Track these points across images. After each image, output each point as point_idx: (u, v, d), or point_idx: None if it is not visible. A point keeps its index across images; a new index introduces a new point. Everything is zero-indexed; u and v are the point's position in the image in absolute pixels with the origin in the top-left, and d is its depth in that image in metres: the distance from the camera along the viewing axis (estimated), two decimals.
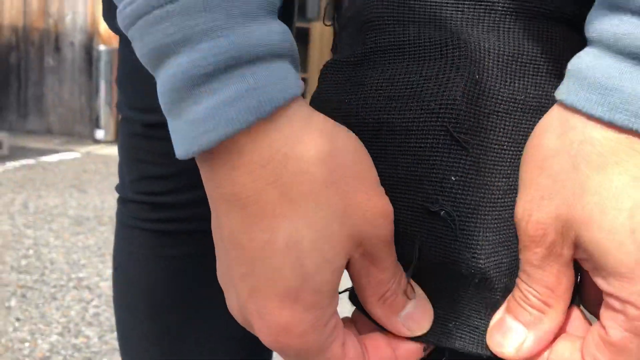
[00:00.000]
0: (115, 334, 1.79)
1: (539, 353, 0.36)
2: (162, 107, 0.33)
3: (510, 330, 0.36)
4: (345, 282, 0.36)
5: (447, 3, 0.37)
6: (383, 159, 0.36)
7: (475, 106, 0.35)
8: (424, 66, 0.37)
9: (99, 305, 1.99)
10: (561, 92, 0.33)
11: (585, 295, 0.38)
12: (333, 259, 0.33)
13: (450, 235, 0.36)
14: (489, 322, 0.37)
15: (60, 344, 1.74)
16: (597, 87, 0.31)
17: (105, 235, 2.66)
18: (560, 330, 0.36)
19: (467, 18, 0.37)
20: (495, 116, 0.35)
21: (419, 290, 0.38)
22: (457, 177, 0.35)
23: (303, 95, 0.34)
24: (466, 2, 0.37)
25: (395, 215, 0.35)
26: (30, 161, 4.14)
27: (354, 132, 0.35)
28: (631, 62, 0.30)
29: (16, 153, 4.30)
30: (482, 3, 0.37)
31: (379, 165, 0.36)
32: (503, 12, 0.36)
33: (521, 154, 0.36)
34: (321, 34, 4.78)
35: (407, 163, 0.36)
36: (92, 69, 5.18)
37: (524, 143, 0.36)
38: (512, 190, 0.36)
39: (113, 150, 4.70)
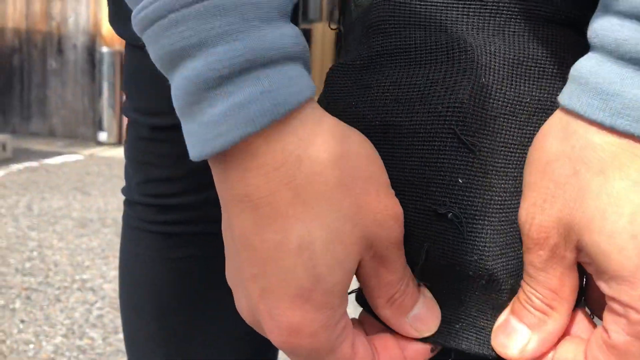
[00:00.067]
0: (119, 336, 1.80)
1: (543, 354, 0.36)
2: (177, 109, 0.33)
3: (515, 332, 0.36)
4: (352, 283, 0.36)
5: (453, 7, 0.37)
6: (390, 162, 0.36)
7: (482, 109, 0.35)
8: (430, 69, 0.37)
9: (102, 307, 2.00)
10: (563, 97, 0.33)
11: (590, 298, 0.38)
12: (345, 260, 0.33)
13: (457, 237, 0.36)
14: (494, 323, 0.38)
15: (64, 346, 1.75)
16: (598, 93, 0.31)
17: (108, 237, 2.66)
18: (565, 332, 0.36)
19: (473, 22, 0.37)
20: (502, 119, 0.36)
21: (426, 291, 0.38)
22: (465, 180, 0.35)
23: None
24: (472, 7, 0.37)
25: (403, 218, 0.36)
26: (33, 163, 4.14)
27: None
28: (632, 68, 0.31)
29: (19, 155, 4.31)
30: (488, 7, 0.37)
31: (386, 168, 0.36)
32: (508, 16, 0.37)
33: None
34: (323, 35, 4.77)
35: (414, 166, 0.36)
36: (95, 71, 5.18)
37: (530, 145, 0.36)
38: (519, 192, 0.36)
39: (116, 153, 4.71)
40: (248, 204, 0.33)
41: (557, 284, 0.35)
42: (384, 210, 0.34)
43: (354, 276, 0.36)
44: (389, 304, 0.37)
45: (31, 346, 1.73)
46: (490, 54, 0.36)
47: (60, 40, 5.30)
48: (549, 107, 0.36)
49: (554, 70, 0.37)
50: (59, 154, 4.55)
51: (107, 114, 5.09)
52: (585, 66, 0.33)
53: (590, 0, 0.34)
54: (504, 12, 0.37)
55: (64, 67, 5.32)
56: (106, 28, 5.11)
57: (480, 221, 0.35)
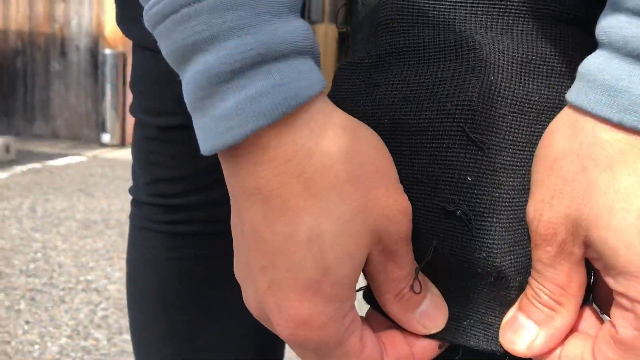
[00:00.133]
0: (123, 337, 1.80)
1: (551, 350, 0.36)
2: (187, 104, 0.33)
3: (522, 328, 0.36)
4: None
5: (461, 6, 0.37)
6: (399, 160, 0.36)
7: (491, 107, 0.35)
8: (439, 67, 0.37)
9: (107, 308, 2.00)
10: (571, 94, 0.34)
11: (597, 294, 0.38)
12: (354, 253, 0.33)
13: (466, 234, 0.36)
14: (503, 319, 0.38)
15: (69, 347, 1.75)
16: (606, 89, 0.32)
17: (112, 238, 2.66)
18: (573, 328, 0.37)
19: (481, 21, 0.37)
20: (510, 116, 0.36)
21: (433, 288, 0.38)
22: (473, 177, 0.35)
23: None
24: (480, 5, 0.37)
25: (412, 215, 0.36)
26: (37, 165, 4.15)
27: None
28: None
29: (23, 157, 4.31)
30: (496, 6, 0.37)
31: (395, 165, 0.36)
32: (517, 15, 0.37)
33: None
34: (325, 35, 4.77)
35: (423, 163, 0.36)
36: (98, 73, 5.19)
37: (538, 143, 0.36)
38: (527, 189, 0.36)
39: (119, 154, 4.71)
40: (258, 196, 0.33)
41: (564, 280, 0.35)
42: (393, 204, 0.34)
43: (361, 274, 0.36)
44: (397, 300, 0.37)
45: (36, 347, 1.74)
46: (499, 52, 0.36)
47: (63, 42, 5.31)
48: (557, 105, 0.36)
49: (562, 69, 0.37)
50: (63, 155, 4.56)
51: (110, 116, 5.09)
52: (593, 63, 0.33)
53: None
54: (513, 10, 0.37)
55: (67, 69, 5.33)
56: (109, 30, 5.12)
57: (488, 218, 0.36)
